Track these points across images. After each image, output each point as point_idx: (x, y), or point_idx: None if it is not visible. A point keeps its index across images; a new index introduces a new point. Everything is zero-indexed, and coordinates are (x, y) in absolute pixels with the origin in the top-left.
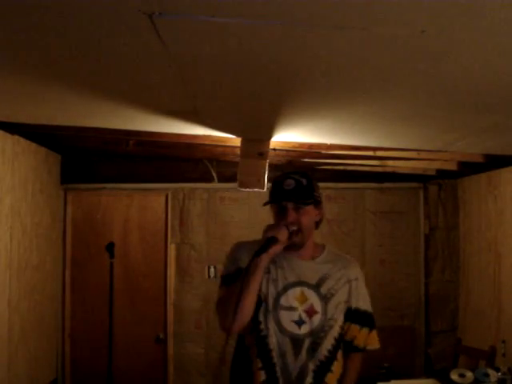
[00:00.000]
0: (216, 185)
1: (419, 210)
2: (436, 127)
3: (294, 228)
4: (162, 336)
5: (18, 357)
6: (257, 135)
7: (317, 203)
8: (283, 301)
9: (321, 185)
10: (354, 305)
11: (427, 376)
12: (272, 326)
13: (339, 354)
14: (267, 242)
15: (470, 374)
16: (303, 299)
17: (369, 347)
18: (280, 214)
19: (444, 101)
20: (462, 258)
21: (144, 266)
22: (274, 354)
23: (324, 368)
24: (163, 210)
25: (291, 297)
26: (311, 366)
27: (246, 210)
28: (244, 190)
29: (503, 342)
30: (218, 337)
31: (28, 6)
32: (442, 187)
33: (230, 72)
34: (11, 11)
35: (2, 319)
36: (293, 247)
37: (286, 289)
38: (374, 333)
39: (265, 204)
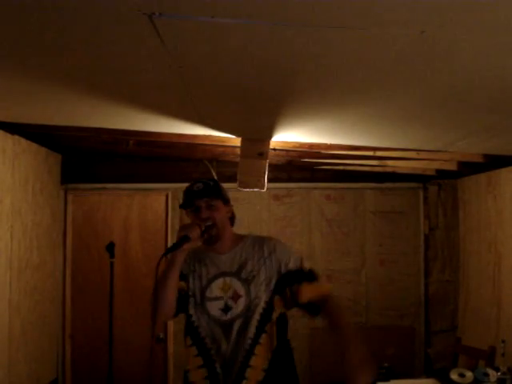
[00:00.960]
0: None
1: (419, 210)
2: (436, 127)
3: (209, 223)
4: (162, 336)
5: (18, 356)
6: (257, 135)
7: (225, 201)
8: (208, 293)
9: (321, 185)
10: (283, 270)
11: (427, 376)
12: (202, 316)
13: (263, 339)
14: (179, 240)
15: (469, 374)
16: (226, 288)
17: (314, 298)
18: (194, 214)
19: (443, 101)
20: (461, 257)
21: (144, 265)
22: (208, 340)
23: (254, 344)
24: (163, 210)
25: (215, 288)
26: (244, 346)
27: (246, 210)
28: (244, 190)
29: (503, 341)
30: None
31: (28, 6)
32: (441, 187)
33: (230, 72)
34: (11, 11)
35: (2, 319)
36: (212, 243)
37: (209, 282)
38: (317, 283)
39: (180, 207)
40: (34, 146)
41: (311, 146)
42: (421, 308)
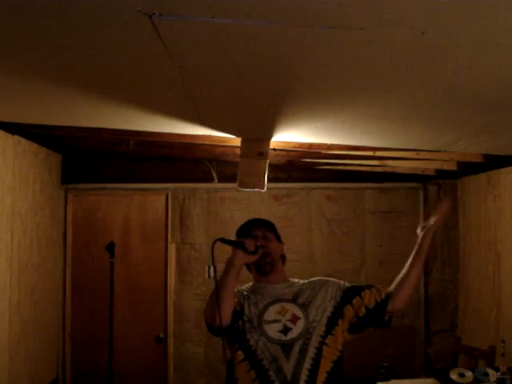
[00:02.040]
0: (216, 185)
1: (419, 210)
2: (435, 127)
3: (264, 251)
4: (162, 335)
5: (18, 356)
6: (257, 135)
7: (279, 239)
8: (266, 316)
9: (321, 185)
10: (341, 293)
11: (427, 376)
12: (260, 339)
13: (325, 351)
14: (236, 241)
15: (469, 374)
16: (284, 311)
17: (383, 296)
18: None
19: (444, 101)
20: (461, 257)
21: (144, 265)
22: (266, 362)
23: (316, 364)
24: (163, 210)
25: (272, 312)
26: (306, 365)
27: (246, 210)
28: (244, 190)
29: (503, 341)
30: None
31: (28, 7)
32: (441, 187)
33: (230, 72)
34: (11, 12)
35: (2, 319)
36: (266, 270)
37: (266, 307)
38: (373, 288)
39: (233, 244)
40: (34, 146)
41: (311, 146)
42: (421, 308)
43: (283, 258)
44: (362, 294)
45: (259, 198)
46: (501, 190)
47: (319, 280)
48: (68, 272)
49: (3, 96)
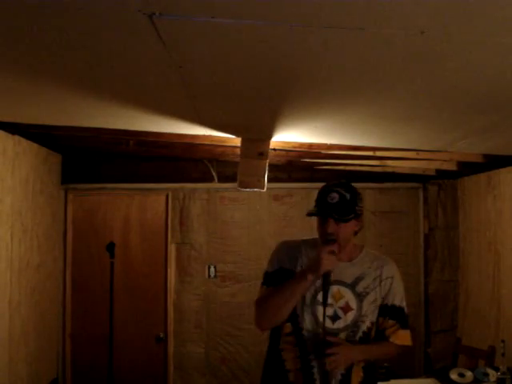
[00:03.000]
0: (216, 185)
1: (419, 210)
2: (435, 127)
3: (331, 238)
4: (162, 335)
5: (18, 356)
6: (257, 135)
7: (358, 216)
8: (320, 297)
9: (321, 185)
10: (389, 302)
11: (427, 375)
12: (308, 318)
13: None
14: (325, 276)
15: (469, 374)
16: (339, 297)
17: (398, 341)
18: (322, 225)
19: (443, 101)
20: (461, 257)
21: (144, 265)
22: (310, 343)
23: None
24: (163, 210)
25: (328, 294)
26: None
27: (246, 210)
28: (244, 190)
29: (502, 341)
30: (217, 336)
31: (28, 6)
32: (441, 187)
33: (230, 72)
34: (11, 12)
35: (2, 319)
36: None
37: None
38: (406, 331)
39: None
40: (35, 146)
41: (311, 146)
42: (421, 308)
43: (358, 231)
44: (387, 321)
45: (259, 198)
46: (501, 189)
47: (387, 268)
48: (68, 272)
49: (3, 96)
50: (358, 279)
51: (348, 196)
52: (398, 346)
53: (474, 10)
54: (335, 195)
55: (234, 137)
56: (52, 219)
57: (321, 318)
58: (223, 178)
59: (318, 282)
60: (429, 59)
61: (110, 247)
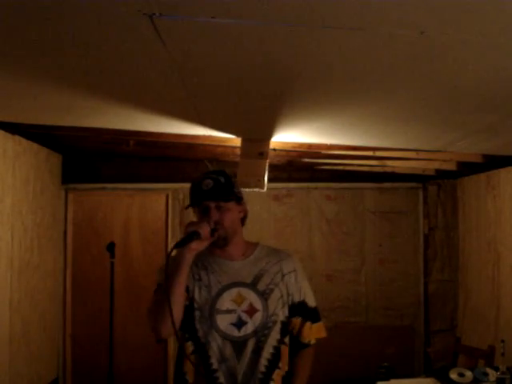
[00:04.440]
0: None
1: (418, 210)
2: (435, 127)
3: (218, 226)
4: None
5: (19, 356)
6: (257, 135)
7: (238, 200)
8: (219, 305)
9: (320, 185)
10: (296, 298)
11: (426, 375)
12: (211, 332)
13: (284, 349)
14: (189, 235)
15: (469, 373)
16: (241, 300)
17: (313, 341)
18: (203, 215)
19: (443, 101)
20: (461, 257)
21: (144, 265)
22: (214, 360)
23: (271, 366)
24: (163, 210)
25: (227, 299)
26: (259, 367)
27: None
28: (244, 190)
29: (502, 341)
30: None
31: (28, 6)
32: (441, 187)
33: (230, 72)
34: (11, 12)
35: (3, 319)
36: (220, 247)
37: (220, 292)
38: (319, 324)
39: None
40: (35, 146)
41: (311, 146)
42: (420, 308)
43: (243, 219)
44: (302, 322)
45: (259, 198)
46: (500, 189)
47: (286, 262)
48: (68, 272)
49: (3, 96)
50: (258, 277)
51: (222, 179)
52: (312, 348)
53: (473, 10)
54: (209, 181)
55: (234, 137)
56: (52, 219)
57: (223, 328)
58: None
59: (214, 291)
60: (428, 59)
61: (111, 247)
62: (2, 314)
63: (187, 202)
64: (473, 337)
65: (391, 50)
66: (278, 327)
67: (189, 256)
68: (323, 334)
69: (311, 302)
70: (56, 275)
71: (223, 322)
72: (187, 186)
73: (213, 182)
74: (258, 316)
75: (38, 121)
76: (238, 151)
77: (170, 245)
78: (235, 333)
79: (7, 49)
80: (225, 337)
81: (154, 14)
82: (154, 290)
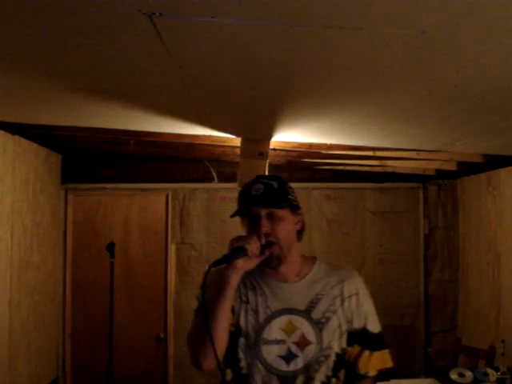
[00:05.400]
0: (216, 185)
1: (419, 210)
2: (435, 127)
3: (270, 239)
4: (162, 335)
5: (18, 356)
6: (257, 135)
7: (294, 208)
8: (266, 334)
9: (320, 185)
10: (356, 325)
11: (427, 375)
12: (254, 364)
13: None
14: (233, 252)
15: (469, 374)
16: (292, 329)
17: (372, 372)
18: (252, 225)
19: (444, 101)
20: (461, 257)
21: (144, 265)
22: None
23: None
24: (163, 210)
25: (276, 328)
26: None
27: None
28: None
29: (502, 341)
30: None
31: (28, 6)
32: (441, 187)
33: (230, 72)
34: (12, 12)
35: (2, 319)
36: (272, 266)
37: (268, 320)
38: (382, 353)
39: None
40: (35, 146)
41: (311, 146)
42: (421, 308)
43: (300, 232)
44: (354, 350)
45: None
46: (501, 190)
47: (348, 283)
48: (68, 272)
49: (3, 96)
50: (313, 303)
51: (275, 184)
52: (371, 381)
53: (474, 9)
54: (260, 186)
55: (234, 137)
56: (52, 219)
57: (269, 360)
58: (223, 178)
59: (262, 317)
60: (429, 59)
61: (110, 247)
62: (1, 314)
63: (187, 202)
64: (473, 337)
65: (391, 49)
66: (330, 361)
67: (235, 277)
68: (388, 364)
69: (374, 328)
70: (56, 275)
71: (270, 353)
72: (187, 185)
73: (264, 187)
74: (311, 349)
75: (37, 121)
76: (238, 151)
77: (170, 245)
78: (283, 367)
79: (7, 49)
80: (271, 370)
81: (154, 13)
82: (194, 309)
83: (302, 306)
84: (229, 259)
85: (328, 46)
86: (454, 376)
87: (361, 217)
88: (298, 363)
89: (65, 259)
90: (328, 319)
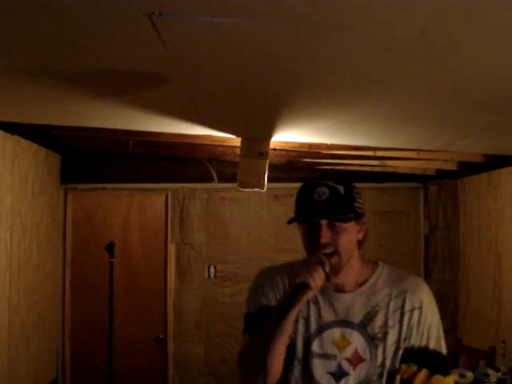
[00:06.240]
0: (216, 185)
1: (419, 210)
2: (436, 127)
3: (329, 251)
4: (161, 336)
5: (18, 357)
6: (257, 135)
7: (358, 217)
8: (316, 346)
9: None
10: (414, 343)
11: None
12: (302, 379)
13: None
14: (296, 292)
15: (470, 374)
16: (344, 344)
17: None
18: (310, 234)
19: (444, 101)
20: (461, 257)
21: (144, 265)
22: None
23: None
24: (163, 210)
25: (327, 341)
26: None
27: (246, 210)
28: (244, 190)
29: (503, 342)
30: (217, 336)
31: (28, 6)
32: (442, 187)
33: (230, 72)
34: (11, 11)
35: (2, 319)
36: (331, 274)
37: (320, 330)
38: (447, 380)
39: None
40: (34, 146)
41: (311, 146)
42: None
43: (362, 241)
44: (410, 369)
45: (259, 198)
46: (501, 190)
47: (412, 295)
48: (68, 272)
49: (3, 96)
50: (371, 315)
51: (342, 189)
52: None
53: (474, 9)
54: (324, 189)
55: (234, 137)
56: (51, 219)
57: (317, 376)
58: (223, 178)
59: (313, 328)
60: (429, 59)
61: (110, 247)
62: (0, 314)
63: (187, 202)
64: (474, 337)
65: (391, 49)
66: (383, 382)
67: (295, 312)
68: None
69: (437, 346)
70: (55, 275)
71: (319, 368)
72: (187, 185)
73: (329, 192)
74: (364, 367)
75: (37, 121)
76: (238, 151)
77: (170, 245)
78: (331, 383)
79: (6, 49)
80: None
81: (154, 13)
82: (244, 313)
83: (358, 318)
84: (293, 302)
85: (328, 46)
86: (454, 377)
87: None
88: (349, 382)
89: (64, 259)
90: (385, 335)
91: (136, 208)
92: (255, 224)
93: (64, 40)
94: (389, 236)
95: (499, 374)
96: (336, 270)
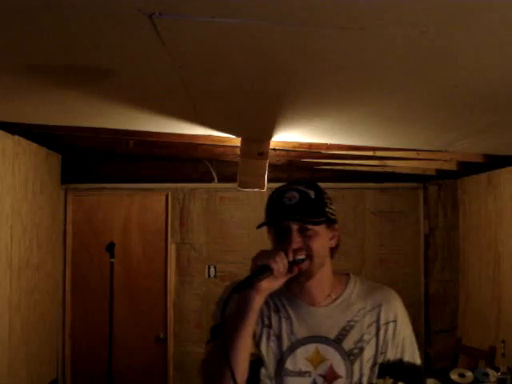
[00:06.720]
0: (216, 185)
1: (419, 210)
2: (436, 127)
3: (301, 257)
4: (162, 336)
5: (18, 356)
6: (257, 135)
7: (330, 222)
8: (290, 364)
9: (321, 185)
10: (390, 356)
11: (427, 376)
12: None
13: None
14: (256, 272)
15: (469, 374)
16: (319, 360)
17: None
18: (280, 239)
19: (444, 101)
20: (461, 257)
21: (144, 265)
22: None
23: None
24: (163, 210)
25: (301, 358)
26: None
27: (246, 210)
28: (244, 190)
29: (503, 341)
30: None
31: (28, 6)
32: (441, 187)
33: (230, 72)
34: (11, 11)
35: (2, 319)
36: (299, 281)
37: (292, 348)
38: None
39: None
40: (34, 146)
41: (311, 146)
42: (421, 308)
43: (334, 248)
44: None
45: (259, 198)
46: (501, 190)
47: (386, 307)
48: (68, 272)
49: (3, 96)
50: (346, 331)
51: (312, 194)
52: None
53: (473, 9)
54: (294, 194)
55: (234, 137)
56: (52, 219)
57: None
58: (223, 178)
59: (286, 344)
60: (429, 59)
61: (110, 247)
62: (1, 315)
63: (187, 202)
64: (473, 337)
65: (391, 49)
66: None
67: (258, 299)
68: None
69: (411, 358)
70: (55, 275)
71: None
72: (187, 186)
73: (299, 196)
74: None
75: (37, 120)
76: (238, 151)
77: (170, 245)
78: None
79: (7, 49)
80: None
81: (154, 13)
82: (209, 327)
83: (332, 334)
84: (252, 282)
85: (328, 46)
86: (454, 376)
87: (361, 217)
88: None
89: (64, 259)
90: (361, 350)
91: (136, 208)
92: (255, 224)
93: (64, 40)
94: (389, 236)
95: (499, 373)
96: (307, 275)
